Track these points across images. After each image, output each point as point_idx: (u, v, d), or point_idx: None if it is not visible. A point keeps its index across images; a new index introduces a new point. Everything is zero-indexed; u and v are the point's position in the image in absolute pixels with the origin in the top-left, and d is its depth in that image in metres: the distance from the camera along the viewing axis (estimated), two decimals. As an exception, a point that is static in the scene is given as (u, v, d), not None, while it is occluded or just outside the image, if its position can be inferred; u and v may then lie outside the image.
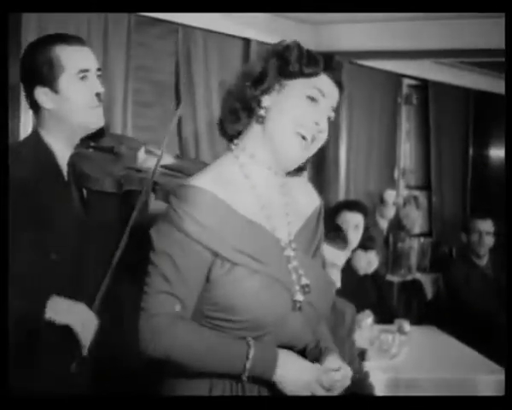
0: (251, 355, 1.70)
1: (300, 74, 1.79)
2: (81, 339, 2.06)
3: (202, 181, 1.76)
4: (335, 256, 2.86)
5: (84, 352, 2.07)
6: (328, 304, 1.89)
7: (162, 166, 2.27)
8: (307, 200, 1.95)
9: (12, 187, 1.92)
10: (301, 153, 1.81)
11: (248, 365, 1.71)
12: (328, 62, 1.82)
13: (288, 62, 1.79)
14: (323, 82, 1.81)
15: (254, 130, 1.83)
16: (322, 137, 1.82)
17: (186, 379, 1.77)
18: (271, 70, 1.79)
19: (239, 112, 1.83)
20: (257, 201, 1.81)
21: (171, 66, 4.80)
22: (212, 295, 1.73)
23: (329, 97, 1.82)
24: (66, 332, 2.06)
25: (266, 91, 1.80)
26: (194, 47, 4.81)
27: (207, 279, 1.74)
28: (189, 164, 2.34)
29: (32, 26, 3.65)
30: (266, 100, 1.80)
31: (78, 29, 3.95)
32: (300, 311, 1.79)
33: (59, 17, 3.70)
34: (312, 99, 1.79)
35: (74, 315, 2.06)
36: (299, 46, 1.82)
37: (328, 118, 1.83)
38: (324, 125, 1.81)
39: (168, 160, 2.32)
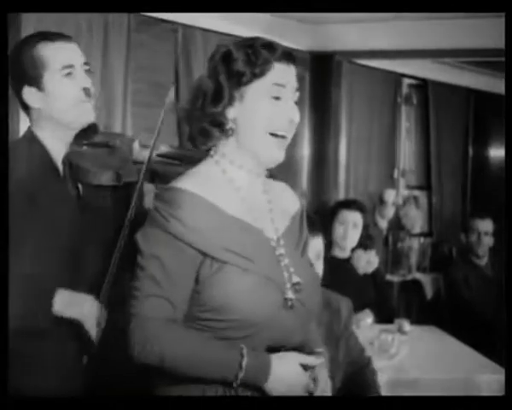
0: (244, 365, 1.69)
1: (254, 77, 1.76)
2: (91, 332, 2.06)
3: (186, 183, 1.75)
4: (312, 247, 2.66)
5: (95, 345, 2.07)
6: (318, 302, 1.89)
7: (160, 155, 2.26)
8: (289, 200, 1.96)
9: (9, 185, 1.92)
10: (280, 152, 1.81)
11: (241, 374, 1.70)
12: (271, 48, 1.77)
13: (237, 69, 1.75)
14: (278, 72, 1.77)
15: (227, 141, 1.82)
16: (296, 124, 1.81)
17: (178, 385, 1.75)
18: (224, 82, 1.76)
19: (209, 130, 1.80)
20: (242, 203, 1.81)
21: (170, 66, 4.80)
22: (203, 296, 1.72)
23: (289, 82, 1.79)
24: (74, 327, 2.06)
25: (228, 104, 1.78)
26: (193, 47, 4.81)
27: (197, 280, 1.72)
28: (189, 152, 2.29)
29: (32, 26, 3.64)
30: (231, 112, 1.78)
31: (78, 29, 3.95)
32: (292, 309, 1.78)
33: (59, 17, 3.70)
34: (276, 98, 1.77)
35: (83, 308, 2.06)
36: (239, 46, 1.78)
37: (295, 101, 1.80)
38: (296, 114, 1.79)
39: (166, 149, 2.32)
